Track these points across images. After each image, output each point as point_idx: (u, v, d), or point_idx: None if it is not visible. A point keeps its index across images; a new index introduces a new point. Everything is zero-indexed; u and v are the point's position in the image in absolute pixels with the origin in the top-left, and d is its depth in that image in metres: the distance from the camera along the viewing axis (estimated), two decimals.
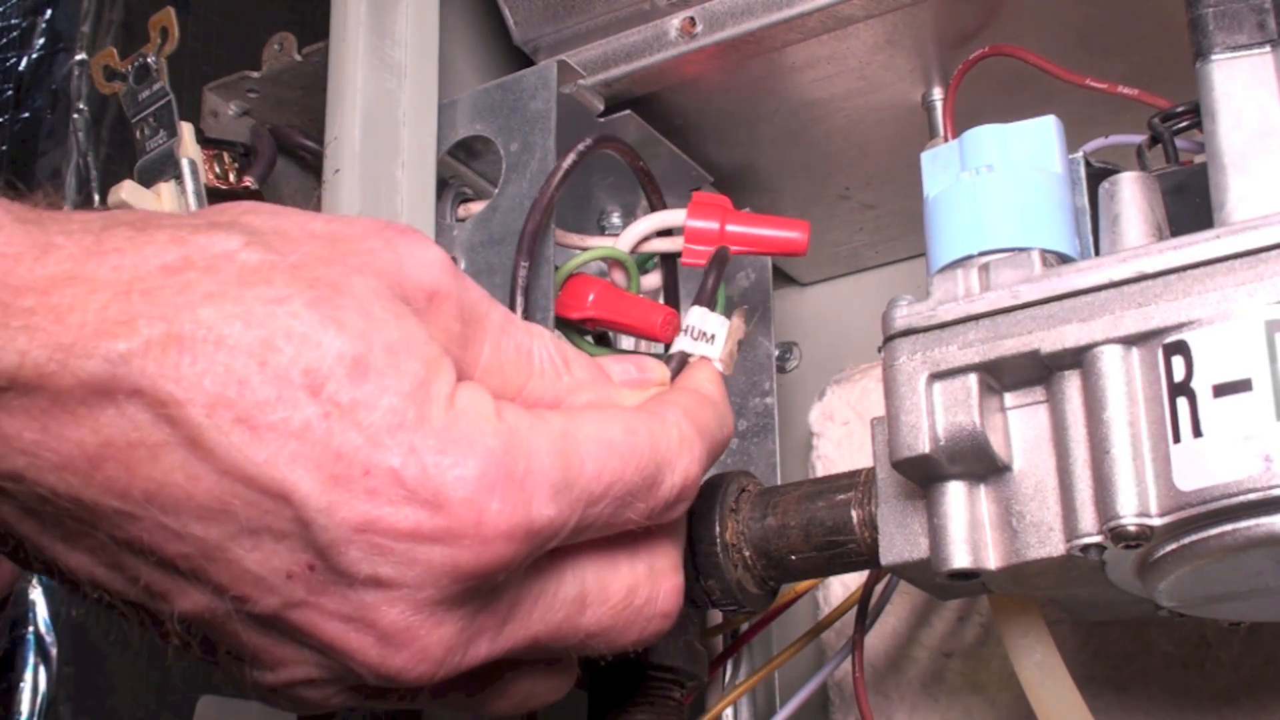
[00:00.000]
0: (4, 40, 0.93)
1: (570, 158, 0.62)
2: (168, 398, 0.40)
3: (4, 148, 0.92)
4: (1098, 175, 0.52)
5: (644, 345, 0.68)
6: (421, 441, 0.42)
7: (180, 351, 0.40)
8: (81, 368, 0.39)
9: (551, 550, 0.46)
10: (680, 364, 0.57)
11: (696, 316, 0.58)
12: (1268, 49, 0.49)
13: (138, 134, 0.66)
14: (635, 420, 0.48)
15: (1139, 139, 0.55)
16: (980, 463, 0.48)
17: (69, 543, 0.42)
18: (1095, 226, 0.51)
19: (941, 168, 0.52)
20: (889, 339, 0.49)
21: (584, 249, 0.65)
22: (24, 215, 0.41)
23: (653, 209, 0.66)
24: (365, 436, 0.41)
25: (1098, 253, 0.51)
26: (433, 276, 0.45)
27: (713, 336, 0.58)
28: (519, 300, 0.60)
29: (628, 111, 0.69)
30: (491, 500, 0.42)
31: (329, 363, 0.41)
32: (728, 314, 0.60)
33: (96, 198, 0.89)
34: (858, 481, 0.55)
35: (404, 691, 0.46)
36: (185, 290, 0.40)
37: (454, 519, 0.42)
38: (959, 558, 0.48)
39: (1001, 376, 0.49)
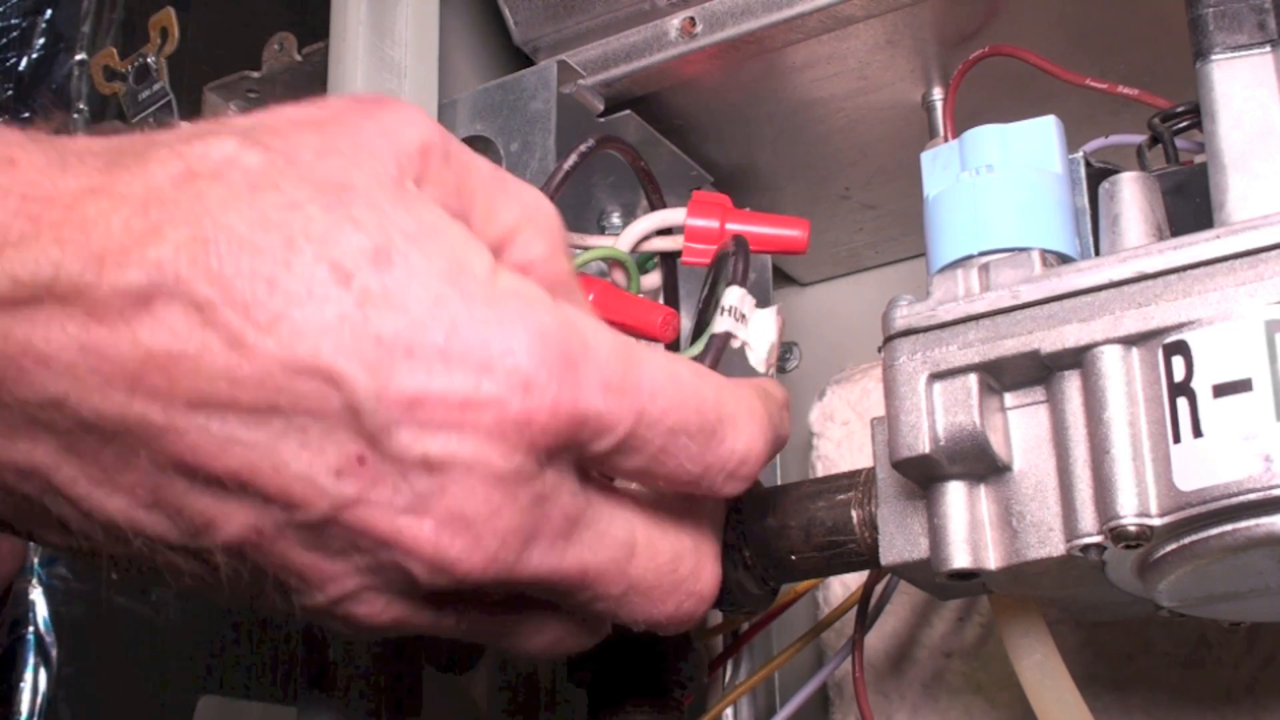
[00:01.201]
0: (4, 40, 0.93)
1: (571, 159, 0.62)
2: (204, 300, 0.40)
3: None
4: (1098, 175, 0.52)
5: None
6: (464, 317, 0.42)
7: (208, 256, 0.40)
8: (117, 277, 0.39)
9: (603, 489, 0.46)
10: (724, 343, 0.55)
11: (736, 297, 0.56)
12: (1268, 49, 0.49)
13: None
14: (708, 373, 0.48)
15: (1139, 139, 0.55)
16: (980, 463, 0.48)
17: (109, 484, 0.41)
18: (1095, 226, 0.51)
19: (941, 168, 0.52)
20: (889, 339, 0.49)
21: (584, 249, 0.65)
22: (38, 137, 0.41)
23: (653, 209, 0.66)
24: (405, 319, 0.41)
25: (1098, 253, 0.51)
26: (417, 132, 0.45)
27: (744, 315, 0.56)
28: None
29: (628, 111, 0.69)
30: (540, 372, 0.42)
31: (352, 256, 0.41)
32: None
33: None
34: (858, 481, 0.55)
35: (457, 597, 0.45)
36: (200, 199, 0.41)
37: (501, 389, 0.42)
38: (959, 558, 0.48)
39: (1001, 376, 0.49)
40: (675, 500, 0.50)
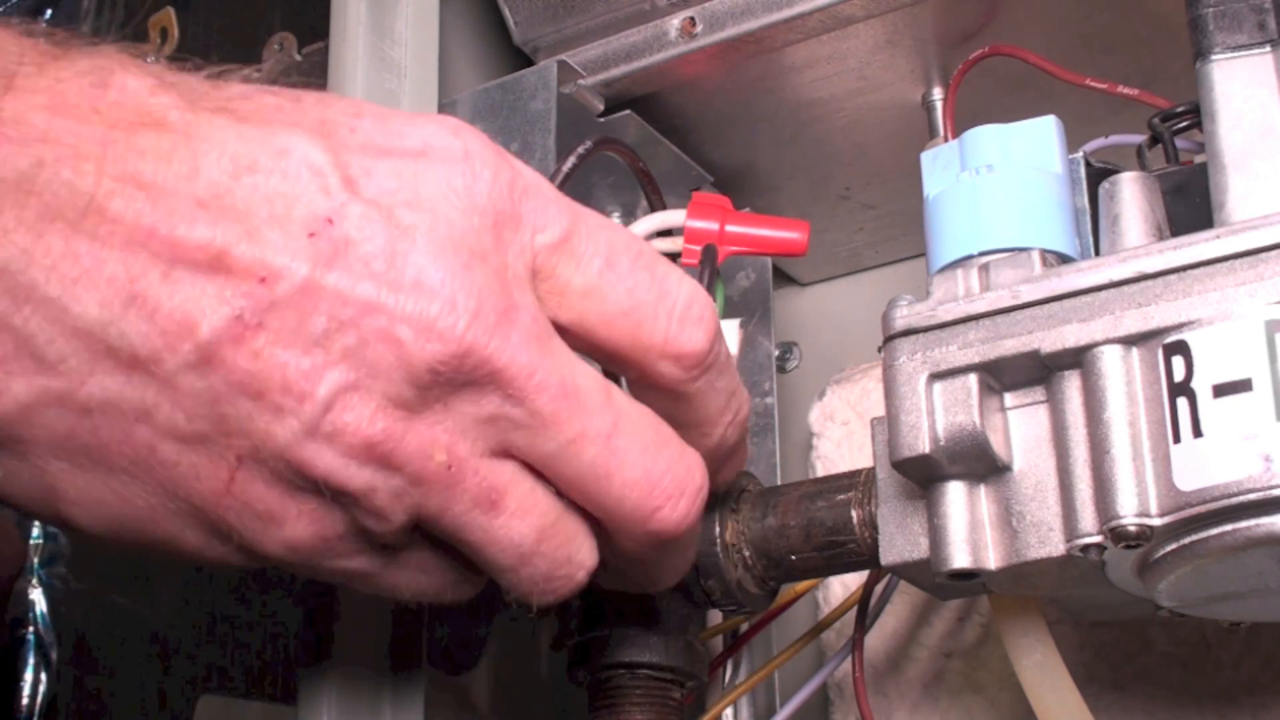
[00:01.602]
0: None
1: (570, 160, 0.62)
2: (153, 88, 0.43)
3: None
4: (1098, 175, 0.52)
5: None
6: (391, 113, 0.46)
7: (144, 66, 0.44)
8: (72, 64, 0.43)
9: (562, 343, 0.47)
10: None
11: None
12: (1268, 49, 0.49)
13: None
14: None
15: (1139, 139, 0.55)
16: (980, 463, 0.48)
17: (84, 278, 0.41)
18: (1095, 226, 0.51)
19: (941, 168, 0.52)
20: (889, 339, 0.49)
21: None
22: None
23: (652, 210, 0.66)
24: (337, 110, 0.45)
25: (1098, 253, 0.51)
26: None
27: None
28: None
29: (628, 111, 0.69)
30: (475, 144, 0.46)
31: (270, 85, 0.46)
32: (724, 314, 0.60)
33: None
34: (858, 481, 0.55)
35: (445, 408, 0.44)
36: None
37: (446, 153, 0.45)
38: (959, 558, 0.48)
39: (1001, 376, 0.49)
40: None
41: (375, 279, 0.43)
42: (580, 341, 0.47)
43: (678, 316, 0.47)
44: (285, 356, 0.42)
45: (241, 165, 0.43)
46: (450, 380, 0.44)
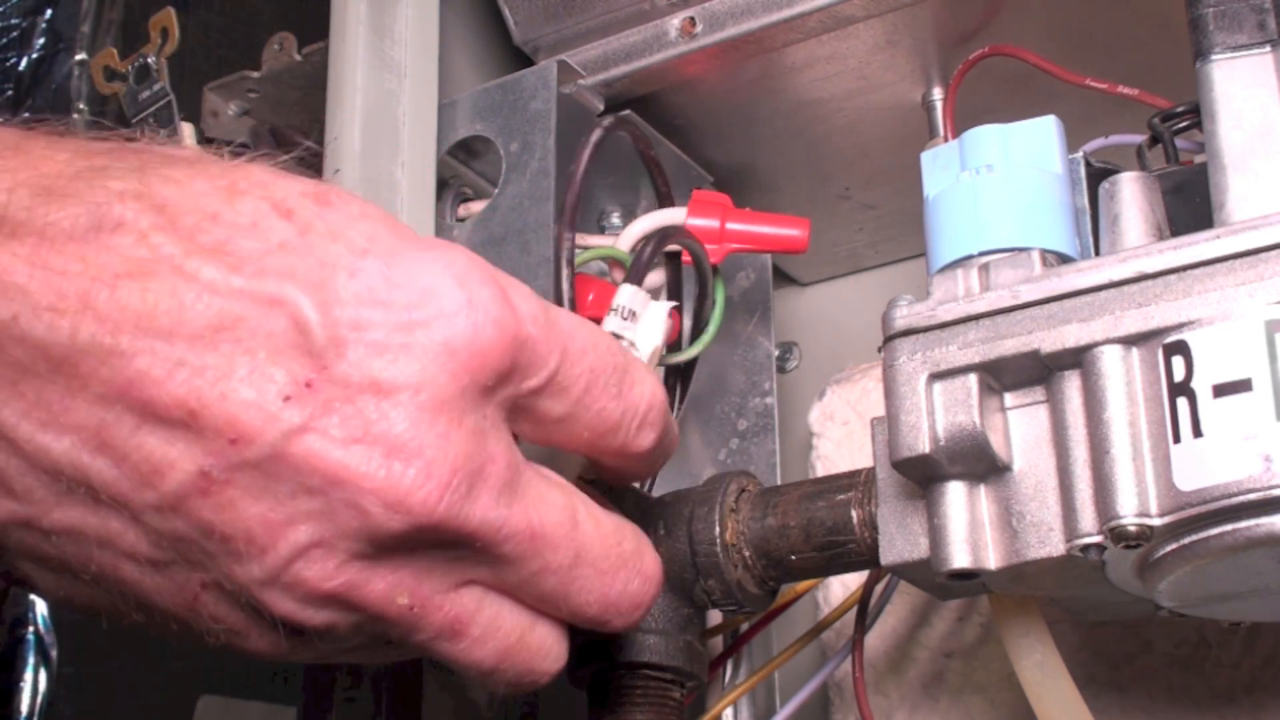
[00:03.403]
0: (4, 40, 0.93)
1: (596, 133, 0.61)
2: (149, 227, 0.41)
3: None
4: (1098, 175, 0.52)
5: None
6: (402, 247, 0.44)
7: (152, 194, 0.42)
8: (65, 204, 0.41)
9: (533, 467, 0.47)
10: None
11: (626, 296, 0.57)
12: (1268, 49, 0.49)
13: (138, 134, 0.66)
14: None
15: (1139, 139, 0.55)
16: (980, 463, 0.48)
17: (54, 425, 0.41)
18: (1095, 226, 0.51)
19: (941, 168, 0.52)
20: (889, 339, 0.49)
21: (584, 249, 0.65)
22: None
23: (660, 200, 0.66)
24: (345, 245, 0.43)
25: (1098, 253, 0.51)
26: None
27: (633, 313, 0.56)
28: (565, 272, 0.60)
29: (628, 111, 0.69)
30: (481, 292, 0.44)
31: (294, 196, 0.43)
32: (724, 314, 0.60)
33: None
34: (858, 481, 0.55)
35: (409, 564, 0.44)
36: (142, 165, 0.43)
37: (447, 307, 0.43)
38: (959, 558, 0.48)
39: (1001, 376, 0.49)
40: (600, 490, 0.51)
41: (347, 448, 0.42)
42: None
43: (635, 427, 0.49)
44: (251, 512, 0.42)
45: (226, 320, 0.41)
46: (418, 542, 0.44)
